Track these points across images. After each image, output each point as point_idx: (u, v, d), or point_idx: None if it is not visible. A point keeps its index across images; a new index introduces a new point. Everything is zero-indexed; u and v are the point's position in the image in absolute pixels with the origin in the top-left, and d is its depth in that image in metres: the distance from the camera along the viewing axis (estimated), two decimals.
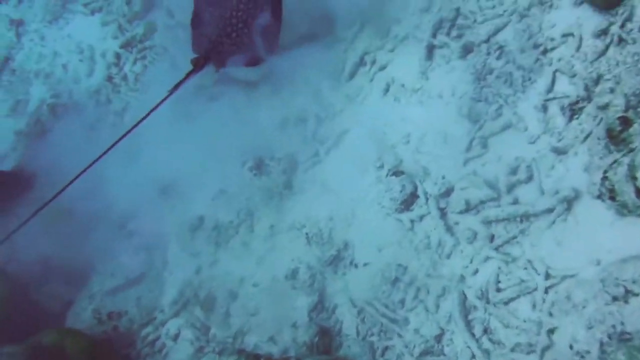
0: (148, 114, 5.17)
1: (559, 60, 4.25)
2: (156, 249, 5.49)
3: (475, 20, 4.76)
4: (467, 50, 4.70)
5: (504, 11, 4.62)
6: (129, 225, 5.66)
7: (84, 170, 4.96)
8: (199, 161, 5.59)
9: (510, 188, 4.15)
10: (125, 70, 6.97)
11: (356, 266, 4.62)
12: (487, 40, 4.65)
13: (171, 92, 5.28)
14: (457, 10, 4.83)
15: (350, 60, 5.31)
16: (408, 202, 4.53)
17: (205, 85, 6.04)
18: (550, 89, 4.24)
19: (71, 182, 5.02)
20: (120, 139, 5.09)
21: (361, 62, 5.27)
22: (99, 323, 5.46)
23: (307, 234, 4.87)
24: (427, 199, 4.46)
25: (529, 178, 4.10)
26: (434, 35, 4.87)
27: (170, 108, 5.68)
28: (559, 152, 4.03)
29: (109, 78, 7.10)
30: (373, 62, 5.20)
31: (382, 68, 5.15)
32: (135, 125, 5.14)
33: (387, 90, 5.04)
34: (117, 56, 7.16)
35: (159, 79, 6.28)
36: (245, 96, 5.75)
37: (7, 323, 5.29)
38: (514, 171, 4.16)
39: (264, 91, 5.66)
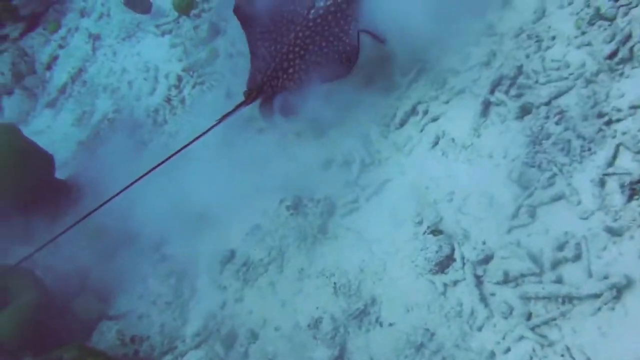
0: (194, 140, 5.19)
1: (624, 133, 3.89)
2: (186, 277, 5.39)
3: (537, 81, 4.43)
4: (525, 111, 4.37)
5: (570, 74, 4.28)
6: (162, 249, 5.58)
7: (124, 189, 5.00)
8: (239, 192, 5.46)
9: (555, 265, 3.79)
10: (184, 93, 6.96)
11: (381, 324, 4.32)
12: (547, 103, 4.31)
13: (219, 122, 5.27)
14: (520, 68, 4.52)
15: (402, 107, 5.06)
16: (443, 264, 4.20)
17: (256, 117, 5.88)
18: (610, 163, 3.88)
19: (109, 199, 5.07)
20: (164, 161, 5.11)
21: (413, 111, 5.01)
22: (121, 345, 5.35)
23: (335, 283, 4.60)
24: (463, 264, 4.12)
25: (577, 257, 3.72)
26: (492, 92, 4.57)
27: (218, 136, 5.68)
28: (614, 233, 3.64)
29: (168, 99, 7.04)
30: (425, 113, 4.93)
31: (434, 119, 4.87)
32: (180, 150, 5.14)
33: (436, 143, 4.75)
34: (179, 78, 7.17)
35: (214, 106, 6.24)
36: (294, 132, 5.51)
37: (36, 330, 5.20)
38: (561, 247, 3.79)
39: (313, 129, 5.46)
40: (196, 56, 7.27)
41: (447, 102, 4.86)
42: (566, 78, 4.33)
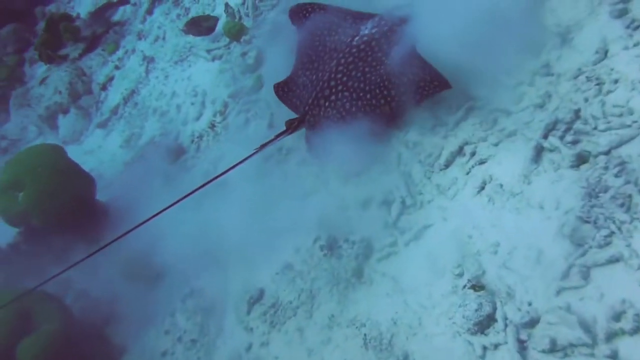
0: (230, 169, 5.07)
1: None
2: (213, 314, 5.21)
3: (595, 127, 4.00)
4: (581, 159, 3.94)
5: (633, 122, 3.85)
6: (191, 283, 5.33)
7: (156, 215, 4.77)
8: (274, 226, 5.25)
9: (610, 337, 3.36)
10: (229, 120, 6.78)
11: None
12: (607, 152, 3.87)
13: (257, 150, 5.15)
14: (577, 112, 4.11)
15: (448, 147, 4.71)
16: (483, 324, 3.81)
17: (296, 148, 5.64)
18: None
19: (140, 224, 4.82)
20: (197, 189, 4.93)
21: (460, 152, 4.65)
22: None
23: (365, 335, 4.28)
24: (505, 326, 3.72)
25: (636, 330, 3.26)
26: (545, 136, 4.17)
27: (256, 166, 5.57)
28: None
29: (212, 125, 6.89)
30: (473, 154, 4.56)
31: (482, 162, 4.49)
32: (215, 178, 5.01)
33: (482, 188, 4.37)
34: (225, 105, 7.02)
35: (256, 134, 6.01)
36: (335, 165, 5.23)
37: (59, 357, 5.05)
38: (617, 317, 3.37)
39: (355, 164, 5.14)
40: (242, 83, 7.07)
41: (496, 145, 4.46)
42: (629, 126, 3.89)
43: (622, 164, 3.82)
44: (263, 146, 5.18)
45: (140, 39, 9.63)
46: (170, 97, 8.31)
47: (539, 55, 4.54)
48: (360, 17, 5.39)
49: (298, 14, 5.77)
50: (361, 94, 4.94)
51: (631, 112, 3.94)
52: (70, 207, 6.36)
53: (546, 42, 4.53)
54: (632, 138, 3.86)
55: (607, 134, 3.98)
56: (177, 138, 7.52)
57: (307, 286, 4.79)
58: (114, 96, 9.40)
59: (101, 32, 10.42)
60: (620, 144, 3.90)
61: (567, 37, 4.47)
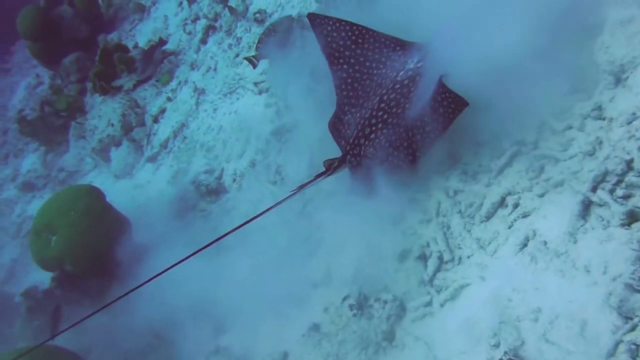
0: (265, 212, 5.00)
1: None
2: None
3: None
4: (633, 217, 3.70)
5: None
6: (218, 339, 5.33)
7: (183, 260, 4.63)
8: (304, 280, 5.28)
9: None
10: (270, 159, 6.75)
11: None
12: None
13: (294, 192, 5.10)
14: (629, 163, 3.84)
15: (490, 197, 4.55)
16: None
17: (336, 191, 5.58)
18: None
19: (167, 269, 4.71)
20: (225, 235, 4.85)
21: (502, 203, 4.48)
22: None
23: None
24: None
25: None
26: (594, 189, 3.93)
27: (290, 210, 5.57)
28: None
29: (252, 164, 6.94)
30: (516, 206, 4.38)
31: (525, 215, 4.30)
32: (244, 224, 4.91)
33: (525, 245, 4.17)
34: (267, 142, 7.00)
35: (296, 175, 5.98)
36: (374, 213, 5.15)
37: None
38: None
39: (393, 211, 5.02)
40: (287, 118, 7.08)
41: (541, 196, 4.25)
42: None
43: None
44: (301, 187, 5.12)
45: (193, 69, 9.88)
46: (217, 132, 8.47)
47: (590, 96, 4.30)
48: (402, 45, 5.27)
49: (325, 30, 5.51)
50: (401, 130, 4.82)
51: None
52: (103, 253, 6.51)
53: (598, 81, 4.28)
54: None
55: None
56: (220, 177, 7.58)
57: (334, 350, 4.69)
58: (164, 129, 9.67)
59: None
60: None
61: (621, 77, 4.20)
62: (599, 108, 4.25)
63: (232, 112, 8.32)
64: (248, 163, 7.18)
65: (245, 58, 7.71)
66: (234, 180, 7.31)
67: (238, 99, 8.45)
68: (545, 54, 4.39)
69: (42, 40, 11.96)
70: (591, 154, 4.14)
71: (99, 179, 10.51)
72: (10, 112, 15.88)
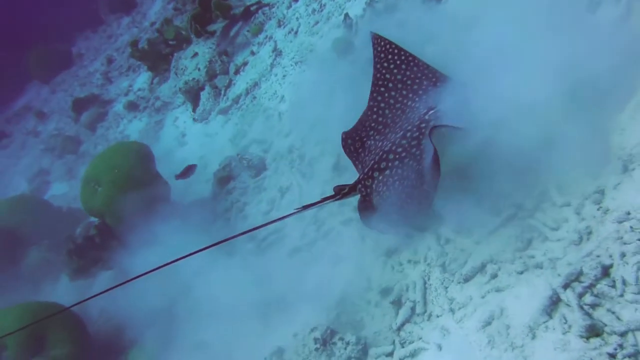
0: (269, 223, 5.17)
1: None
2: None
3: (622, 295, 3.47)
4: (593, 331, 3.46)
5: None
6: (200, 335, 5.59)
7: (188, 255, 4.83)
8: (295, 288, 5.43)
9: None
10: (306, 149, 6.86)
11: None
12: (622, 334, 3.36)
13: (298, 211, 5.12)
14: (607, 269, 3.59)
15: (474, 259, 4.41)
16: None
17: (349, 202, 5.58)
18: None
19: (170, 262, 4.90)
20: (220, 242, 4.98)
21: (482, 269, 4.28)
22: None
23: None
24: None
25: None
26: (565, 287, 3.71)
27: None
28: None
29: (291, 149, 7.02)
30: (494, 276, 4.25)
31: (499, 290, 4.17)
32: (249, 231, 5.09)
33: (489, 323, 4.08)
34: (311, 128, 7.13)
35: (321, 175, 6.28)
36: (373, 237, 5.30)
37: None
38: None
39: (389, 241, 5.06)
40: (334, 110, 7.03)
41: (520, 273, 4.09)
42: None
43: (636, 355, 3.24)
44: (306, 207, 5.12)
45: (279, 26, 9.91)
46: (279, 101, 8.56)
47: (597, 176, 3.96)
48: (443, 82, 5.06)
49: (381, 51, 5.43)
50: (413, 175, 4.66)
51: None
52: (140, 212, 6.88)
53: (608, 163, 3.92)
54: None
55: (632, 308, 3.43)
56: (267, 150, 7.71)
57: None
58: (241, 84, 9.88)
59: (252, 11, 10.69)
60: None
61: (629, 166, 3.82)
62: (602, 192, 3.94)
63: (295, 84, 8.30)
64: (289, 146, 7.18)
65: None
66: (275, 159, 7.36)
67: (304, 71, 8.40)
68: (562, 121, 4.05)
69: None
70: (577, 243, 3.88)
71: (183, 117, 11.04)
72: (146, 21, 16.70)
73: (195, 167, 8.15)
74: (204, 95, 10.46)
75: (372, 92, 5.37)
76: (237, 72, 10.11)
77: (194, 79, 10.62)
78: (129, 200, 6.88)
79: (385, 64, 5.28)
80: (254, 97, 9.21)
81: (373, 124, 5.27)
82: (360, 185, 5.02)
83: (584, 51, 3.94)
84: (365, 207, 5.02)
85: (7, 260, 9.90)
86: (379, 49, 5.35)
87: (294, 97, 8.04)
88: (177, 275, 5.51)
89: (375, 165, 4.87)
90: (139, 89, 13.06)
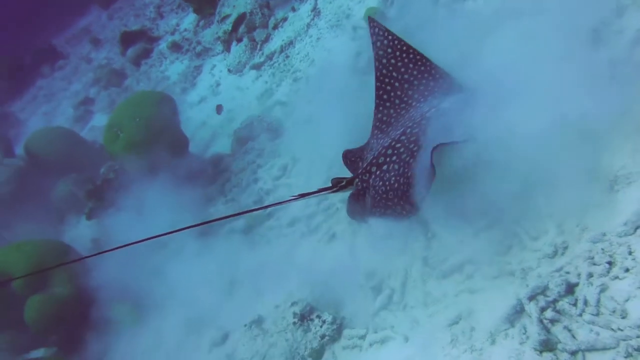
0: (269, 206, 5.88)
1: None
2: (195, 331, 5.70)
3: (581, 314, 3.60)
4: (547, 346, 3.60)
5: (619, 329, 3.41)
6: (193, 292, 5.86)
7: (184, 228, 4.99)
8: (292, 259, 5.68)
9: None
10: (322, 123, 6.88)
11: None
12: (573, 353, 3.51)
13: (294, 199, 5.26)
14: (572, 287, 3.71)
15: (455, 257, 4.58)
16: None
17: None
18: None
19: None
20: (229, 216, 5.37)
21: (460, 268, 4.49)
22: None
23: None
24: None
25: None
26: (530, 299, 3.84)
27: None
28: None
29: (310, 119, 7.15)
30: (469, 277, 4.41)
31: (472, 292, 4.32)
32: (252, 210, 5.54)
33: (456, 322, 4.24)
34: (327, 100, 7.15)
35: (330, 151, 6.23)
36: (363, 231, 5.45)
37: (61, 320, 6.11)
38: None
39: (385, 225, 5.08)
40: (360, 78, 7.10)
41: (494, 278, 4.20)
42: (613, 330, 3.39)
43: None
44: (302, 196, 5.24)
45: None
46: (309, 64, 8.64)
47: (584, 189, 4.00)
48: (450, 82, 5.07)
49: (383, 44, 5.36)
50: (407, 171, 4.72)
51: (624, 315, 3.43)
52: (156, 164, 7.17)
53: (597, 179, 3.97)
54: (605, 348, 3.37)
55: (587, 329, 3.54)
56: (289, 114, 7.85)
57: (263, 350, 5.07)
58: (277, 40, 9.96)
59: None
60: (591, 349, 3.44)
61: (614, 188, 3.87)
62: (586, 208, 3.99)
63: (327, 50, 8.35)
64: (309, 114, 7.29)
65: None
66: (294, 125, 7.54)
67: (337, 36, 8.43)
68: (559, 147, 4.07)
69: None
70: (551, 257, 3.98)
71: (220, 66, 11.21)
72: None
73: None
74: (240, 47, 10.51)
75: (377, 90, 5.36)
76: (275, 27, 10.16)
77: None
78: (147, 149, 7.12)
79: (393, 61, 5.25)
80: (287, 56, 9.29)
81: (377, 123, 5.33)
82: (357, 180, 5.11)
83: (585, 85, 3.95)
84: (356, 200, 5.16)
85: (37, 189, 10.28)
86: (382, 40, 5.30)
87: (323, 64, 8.05)
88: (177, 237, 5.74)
89: (374, 161, 4.95)
90: (185, 30, 13.19)
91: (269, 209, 6.36)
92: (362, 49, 7.57)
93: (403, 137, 4.75)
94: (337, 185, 5.23)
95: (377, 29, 5.33)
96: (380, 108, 5.29)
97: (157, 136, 7.22)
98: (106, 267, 6.09)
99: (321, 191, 5.25)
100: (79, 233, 9.23)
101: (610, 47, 4.39)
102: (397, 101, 5.19)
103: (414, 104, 5.08)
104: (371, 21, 5.44)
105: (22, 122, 15.81)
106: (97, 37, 16.98)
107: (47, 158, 10.00)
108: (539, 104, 3.98)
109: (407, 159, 4.63)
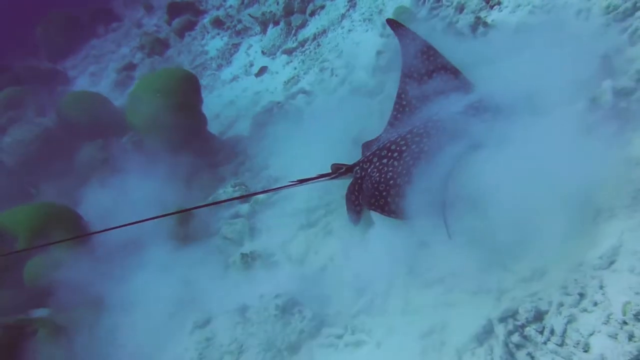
0: (271, 190, 6.04)
1: None
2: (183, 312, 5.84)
3: (545, 343, 3.63)
4: None
5: None
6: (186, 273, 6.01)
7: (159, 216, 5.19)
8: (269, 254, 5.87)
9: None
10: (336, 115, 6.99)
11: None
12: None
13: (293, 184, 5.44)
14: (541, 315, 3.76)
15: (440, 269, 4.61)
16: None
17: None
18: None
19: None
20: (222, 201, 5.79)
21: (442, 280, 4.57)
22: None
23: None
24: None
25: None
26: (501, 320, 3.86)
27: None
28: None
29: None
30: (450, 290, 4.47)
31: (449, 305, 4.39)
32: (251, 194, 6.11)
33: (428, 334, 4.31)
34: (344, 98, 7.33)
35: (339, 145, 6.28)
36: (359, 231, 5.43)
37: None
38: None
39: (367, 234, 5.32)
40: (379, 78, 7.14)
41: (473, 294, 4.25)
42: None
43: None
44: (301, 182, 5.40)
45: None
46: (337, 55, 8.67)
47: (572, 211, 3.98)
48: (467, 88, 5.12)
49: (412, 47, 5.53)
50: (404, 172, 4.80)
51: (586, 349, 3.47)
52: (171, 142, 7.32)
53: (583, 207, 3.96)
54: None
55: (549, 358, 3.58)
56: (310, 103, 7.93)
57: (242, 339, 5.18)
58: (311, 27, 10.00)
59: None
60: None
61: (597, 219, 3.85)
62: (569, 233, 3.99)
63: (355, 43, 8.40)
64: (327, 106, 7.37)
65: None
66: (312, 116, 7.64)
67: (367, 30, 8.47)
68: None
69: None
70: (527, 281, 3.97)
71: (256, 46, 11.27)
72: None
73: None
74: (276, 30, 10.59)
75: (399, 88, 5.53)
76: (312, 13, 10.19)
77: (271, 12, 10.78)
78: (163, 125, 7.27)
79: (420, 65, 5.41)
80: (318, 45, 9.35)
81: (392, 120, 5.46)
82: (357, 168, 5.19)
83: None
84: (352, 192, 5.29)
85: (64, 151, 10.52)
86: (413, 46, 5.47)
87: (350, 57, 8.09)
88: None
89: (377, 152, 5.06)
90: (230, 6, 13.23)
91: (274, 196, 6.39)
92: (386, 47, 7.57)
93: (408, 135, 4.87)
94: (337, 171, 5.33)
95: (403, 32, 5.53)
96: (397, 106, 5.45)
97: (176, 113, 7.32)
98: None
99: (321, 177, 5.38)
100: (98, 198, 9.42)
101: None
102: (414, 101, 5.32)
103: (429, 105, 5.16)
104: (391, 23, 5.56)
105: (70, 80, 16.08)
106: (150, 3, 17.14)
107: (76, 121, 10.18)
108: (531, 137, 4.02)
109: (407, 159, 4.69)
